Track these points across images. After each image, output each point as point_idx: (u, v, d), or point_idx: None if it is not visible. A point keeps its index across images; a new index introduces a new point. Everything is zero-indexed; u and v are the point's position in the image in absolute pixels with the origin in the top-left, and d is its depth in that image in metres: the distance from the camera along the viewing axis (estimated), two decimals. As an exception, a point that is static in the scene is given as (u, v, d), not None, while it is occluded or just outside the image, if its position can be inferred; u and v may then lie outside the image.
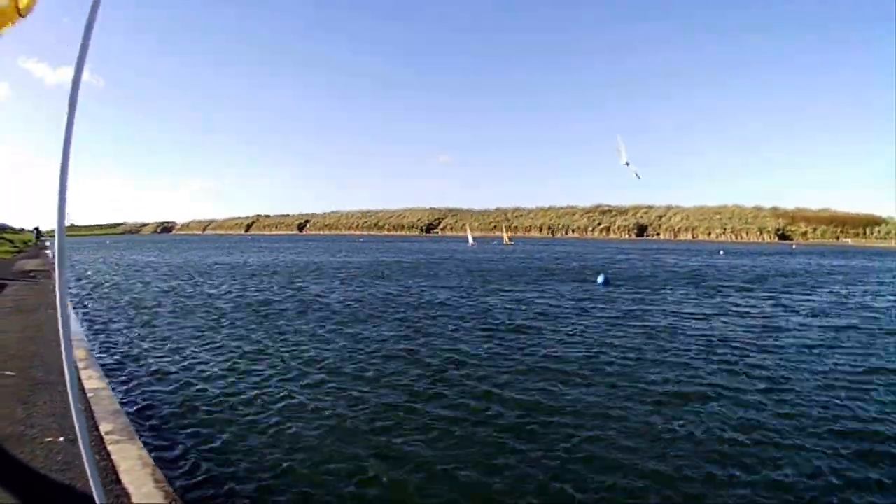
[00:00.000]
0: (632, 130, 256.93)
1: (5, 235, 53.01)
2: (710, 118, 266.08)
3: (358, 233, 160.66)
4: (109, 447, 4.04)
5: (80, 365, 5.82)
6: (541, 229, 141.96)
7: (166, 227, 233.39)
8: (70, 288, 16.66)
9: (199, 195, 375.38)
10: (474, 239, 70.71)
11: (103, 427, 4.36)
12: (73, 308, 12.60)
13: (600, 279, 20.12)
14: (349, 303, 14.39)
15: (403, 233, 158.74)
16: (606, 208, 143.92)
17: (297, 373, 7.29)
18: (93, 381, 5.34)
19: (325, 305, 13.86)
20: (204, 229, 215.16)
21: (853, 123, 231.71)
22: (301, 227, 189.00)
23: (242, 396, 6.24)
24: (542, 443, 5.05)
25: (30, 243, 45.51)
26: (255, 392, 6.39)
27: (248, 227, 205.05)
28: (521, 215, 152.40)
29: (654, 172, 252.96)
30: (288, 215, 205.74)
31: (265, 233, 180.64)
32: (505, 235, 77.36)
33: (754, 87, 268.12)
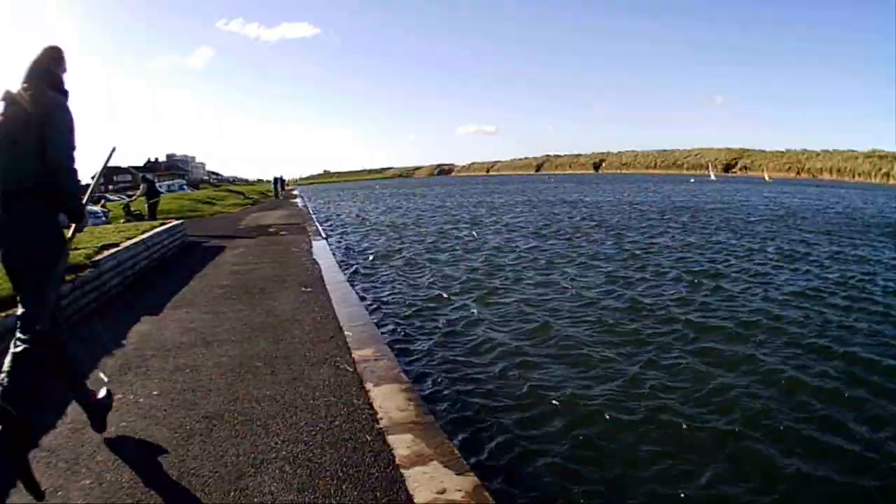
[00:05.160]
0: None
1: (233, 187, 44.69)
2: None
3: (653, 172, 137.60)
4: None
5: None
6: (831, 171, 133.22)
7: (443, 170, 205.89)
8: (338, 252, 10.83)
9: (477, 139, 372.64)
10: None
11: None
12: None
13: None
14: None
15: (700, 172, 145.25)
16: (883, 153, 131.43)
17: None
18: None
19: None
20: (488, 171, 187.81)
21: None
22: (597, 167, 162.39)
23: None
24: None
25: (268, 194, 38.02)
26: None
27: (539, 167, 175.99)
28: (812, 157, 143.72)
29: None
30: (580, 155, 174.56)
31: (557, 172, 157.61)
32: (766, 174, 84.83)
33: None
